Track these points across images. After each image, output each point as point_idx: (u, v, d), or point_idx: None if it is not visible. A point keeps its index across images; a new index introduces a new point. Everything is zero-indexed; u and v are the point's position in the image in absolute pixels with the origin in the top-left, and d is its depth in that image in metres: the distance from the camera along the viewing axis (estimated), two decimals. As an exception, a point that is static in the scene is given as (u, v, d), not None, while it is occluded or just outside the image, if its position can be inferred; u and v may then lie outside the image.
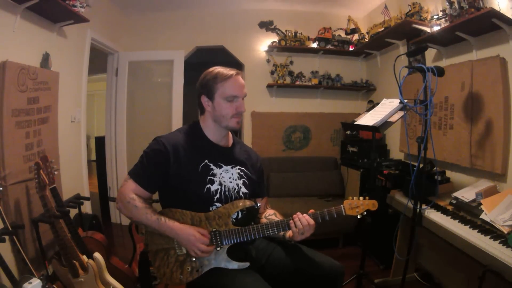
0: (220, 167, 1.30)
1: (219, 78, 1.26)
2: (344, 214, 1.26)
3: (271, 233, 1.23)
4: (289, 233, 1.27)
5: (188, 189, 1.24)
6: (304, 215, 1.23)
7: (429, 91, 1.64)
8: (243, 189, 1.32)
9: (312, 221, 1.22)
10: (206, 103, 1.30)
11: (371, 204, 1.27)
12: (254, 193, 1.39)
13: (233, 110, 1.28)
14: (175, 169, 1.23)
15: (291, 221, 1.23)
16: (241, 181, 1.33)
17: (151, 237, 1.27)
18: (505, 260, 1.26)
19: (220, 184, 1.27)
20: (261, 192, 1.46)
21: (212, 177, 1.27)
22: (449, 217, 1.70)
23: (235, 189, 1.30)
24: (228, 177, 1.30)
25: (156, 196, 1.34)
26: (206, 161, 1.28)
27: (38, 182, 1.72)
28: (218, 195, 1.26)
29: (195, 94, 1.34)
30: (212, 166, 1.28)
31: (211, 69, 1.31)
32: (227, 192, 1.28)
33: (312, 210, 1.27)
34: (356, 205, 1.26)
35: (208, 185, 1.25)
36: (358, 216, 1.28)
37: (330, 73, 3.62)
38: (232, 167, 1.33)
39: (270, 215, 1.41)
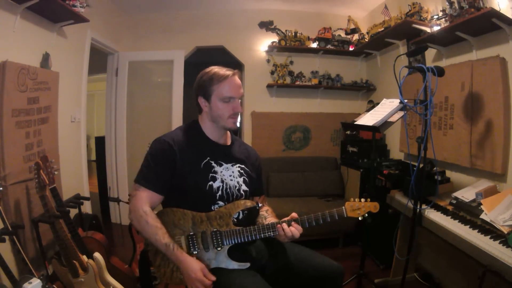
0: (221, 165, 1.31)
1: (215, 79, 1.26)
2: (345, 216, 1.26)
3: (272, 235, 1.23)
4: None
5: (191, 186, 1.24)
6: (292, 225, 1.21)
7: (429, 91, 1.64)
8: (244, 187, 1.33)
9: (299, 228, 1.22)
10: (203, 103, 1.31)
11: (373, 206, 1.28)
12: (254, 190, 1.39)
13: (229, 110, 1.28)
14: (180, 166, 1.23)
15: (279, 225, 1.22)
16: (241, 179, 1.33)
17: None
18: (505, 260, 1.27)
19: (222, 181, 1.28)
20: (260, 190, 1.46)
21: (213, 174, 1.27)
22: (449, 217, 1.70)
23: (235, 186, 1.30)
24: (228, 174, 1.31)
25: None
26: (208, 158, 1.28)
27: (38, 182, 1.72)
28: (220, 192, 1.26)
29: (193, 94, 1.34)
30: (213, 164, 1.29)
31: (207, 70, 1.31)
32: (228, 190, 1.28)
33: (294, 214, 1.26)
34: (358, 207, 1.27)
35: (210, 182, 1.26)
36: (360, 218, 1.28)
37: (330, 73, 3.62)
38: (232, 165, 1.33)
39: (262, 211, 1.42)
